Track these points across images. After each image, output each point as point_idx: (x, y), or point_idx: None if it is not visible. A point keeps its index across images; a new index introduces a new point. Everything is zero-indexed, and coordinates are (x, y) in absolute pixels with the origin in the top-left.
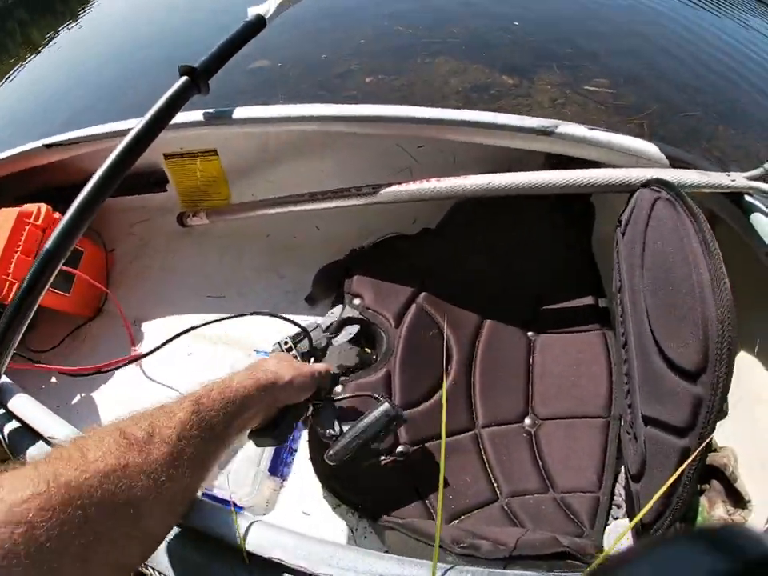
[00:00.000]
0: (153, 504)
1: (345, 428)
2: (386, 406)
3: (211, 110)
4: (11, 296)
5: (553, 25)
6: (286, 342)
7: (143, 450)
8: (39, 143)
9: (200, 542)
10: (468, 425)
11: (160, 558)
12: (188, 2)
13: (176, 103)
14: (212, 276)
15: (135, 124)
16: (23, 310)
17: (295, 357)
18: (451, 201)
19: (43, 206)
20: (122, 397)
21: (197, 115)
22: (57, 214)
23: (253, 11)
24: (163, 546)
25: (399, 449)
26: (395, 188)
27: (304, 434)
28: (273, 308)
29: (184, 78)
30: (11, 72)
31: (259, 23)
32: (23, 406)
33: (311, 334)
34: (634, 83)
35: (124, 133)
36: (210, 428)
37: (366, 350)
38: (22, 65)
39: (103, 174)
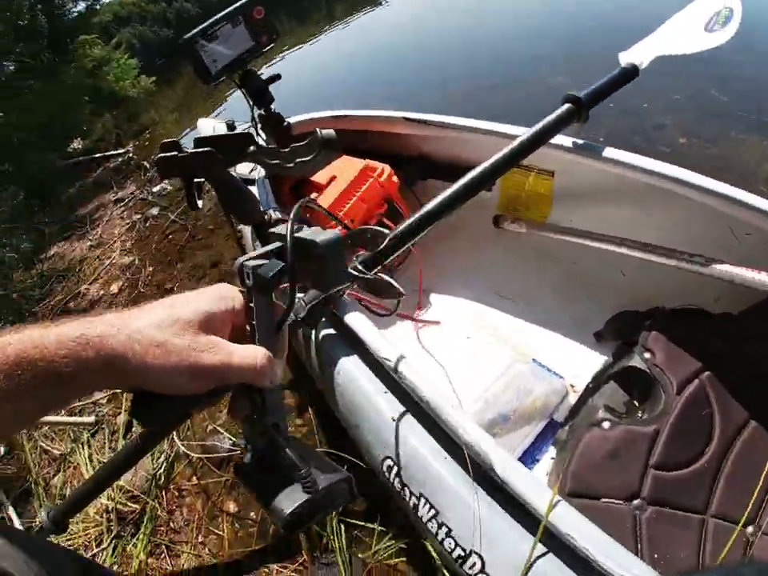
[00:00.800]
0: None
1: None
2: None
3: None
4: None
5: None
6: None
7: None
8: (399, 114)
9: (500, 500)
10: (701, 507)
11: (450, 506)
12: None
13: (558, 126)
14: (510, 279)
15: (520, 133)
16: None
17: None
18: (762, 295)
19: (387, 167)
20: None
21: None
22: (395, 178)
23: (625, 58)
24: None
25: (635, 501)
26: (729, 269)
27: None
28: (557, 329)
29: (568, 105)
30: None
31: (633, 72)
32: (357, 320)
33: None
34: None
35: (470, 129)
36: None
37: (635, 402)
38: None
39: (482, 171)
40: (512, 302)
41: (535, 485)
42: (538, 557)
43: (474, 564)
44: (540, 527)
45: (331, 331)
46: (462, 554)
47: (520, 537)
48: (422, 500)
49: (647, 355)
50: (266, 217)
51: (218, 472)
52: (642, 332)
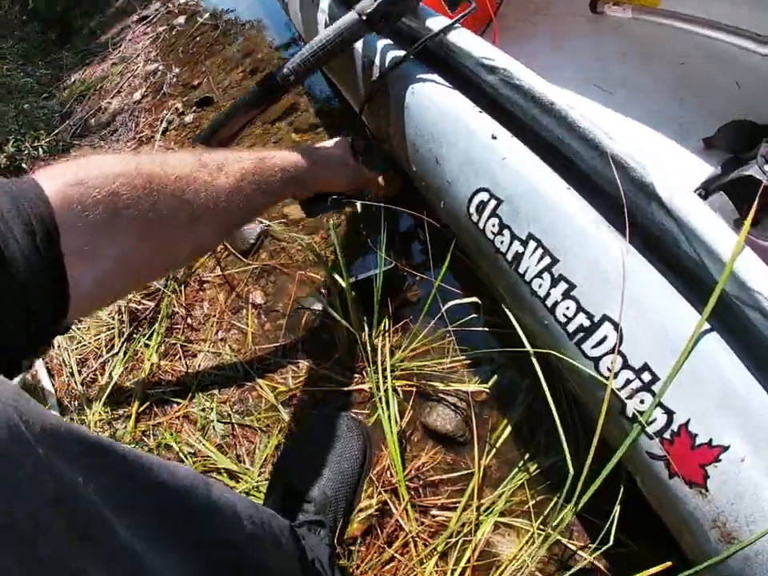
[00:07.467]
0: (209, 215)
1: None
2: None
3: None
4: None
5: None
6: (352, 140)
7: (212, 174)
8: None
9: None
10: None
11: (575, 252)
12: None
13: None
14: (607, 69)
15: None
16: None
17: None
18: None
19: None
20: None
21: None
22: None
23: None
24: None
25: None
26: None
27: None
28: (660, 129)
29: None
30: None
31: None
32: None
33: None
34: None
35: None
36: (266, 182)
37: (743, 219)
38: None
39: None
40: (609, 93)
41: (715, 219)
42: (705, 331)
43: (605, 338)
44: (724, 274)
45: (394, 46)
46: (587, 323)
47: (679, 304)
48: (531, 244)
49: (767, 167)
50: None
51: (245, 260)
52: (762, 144)
